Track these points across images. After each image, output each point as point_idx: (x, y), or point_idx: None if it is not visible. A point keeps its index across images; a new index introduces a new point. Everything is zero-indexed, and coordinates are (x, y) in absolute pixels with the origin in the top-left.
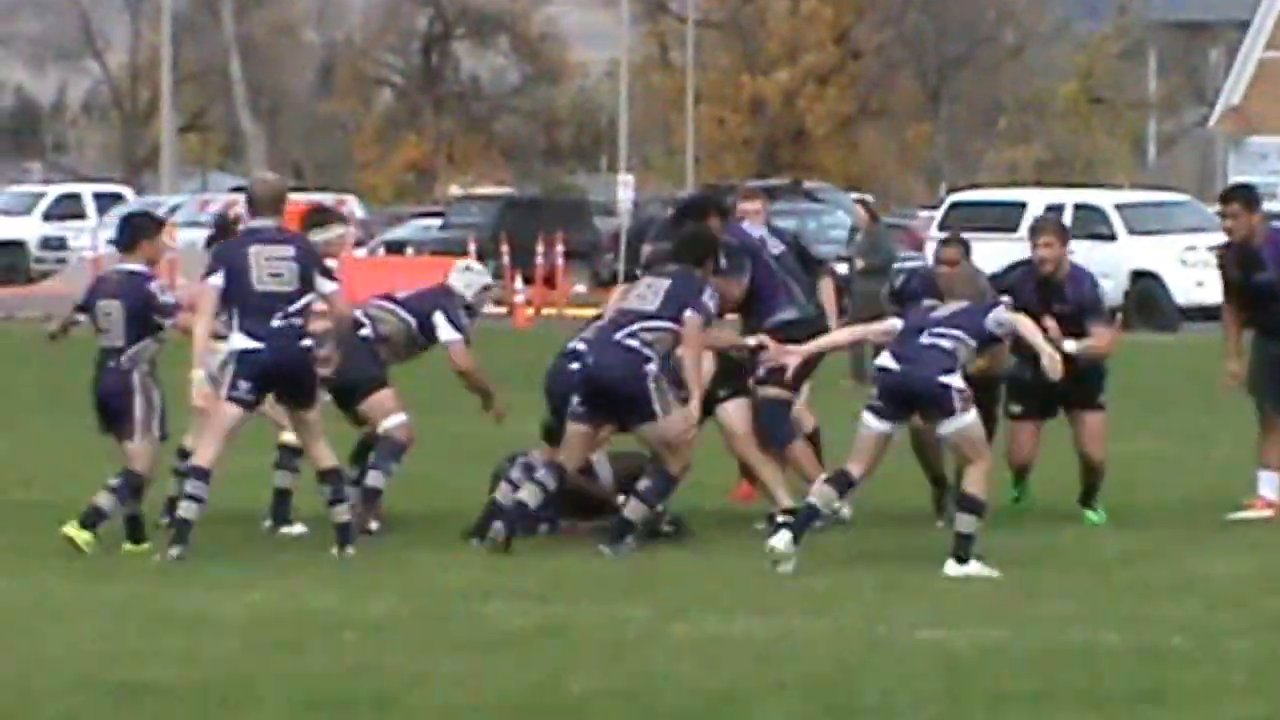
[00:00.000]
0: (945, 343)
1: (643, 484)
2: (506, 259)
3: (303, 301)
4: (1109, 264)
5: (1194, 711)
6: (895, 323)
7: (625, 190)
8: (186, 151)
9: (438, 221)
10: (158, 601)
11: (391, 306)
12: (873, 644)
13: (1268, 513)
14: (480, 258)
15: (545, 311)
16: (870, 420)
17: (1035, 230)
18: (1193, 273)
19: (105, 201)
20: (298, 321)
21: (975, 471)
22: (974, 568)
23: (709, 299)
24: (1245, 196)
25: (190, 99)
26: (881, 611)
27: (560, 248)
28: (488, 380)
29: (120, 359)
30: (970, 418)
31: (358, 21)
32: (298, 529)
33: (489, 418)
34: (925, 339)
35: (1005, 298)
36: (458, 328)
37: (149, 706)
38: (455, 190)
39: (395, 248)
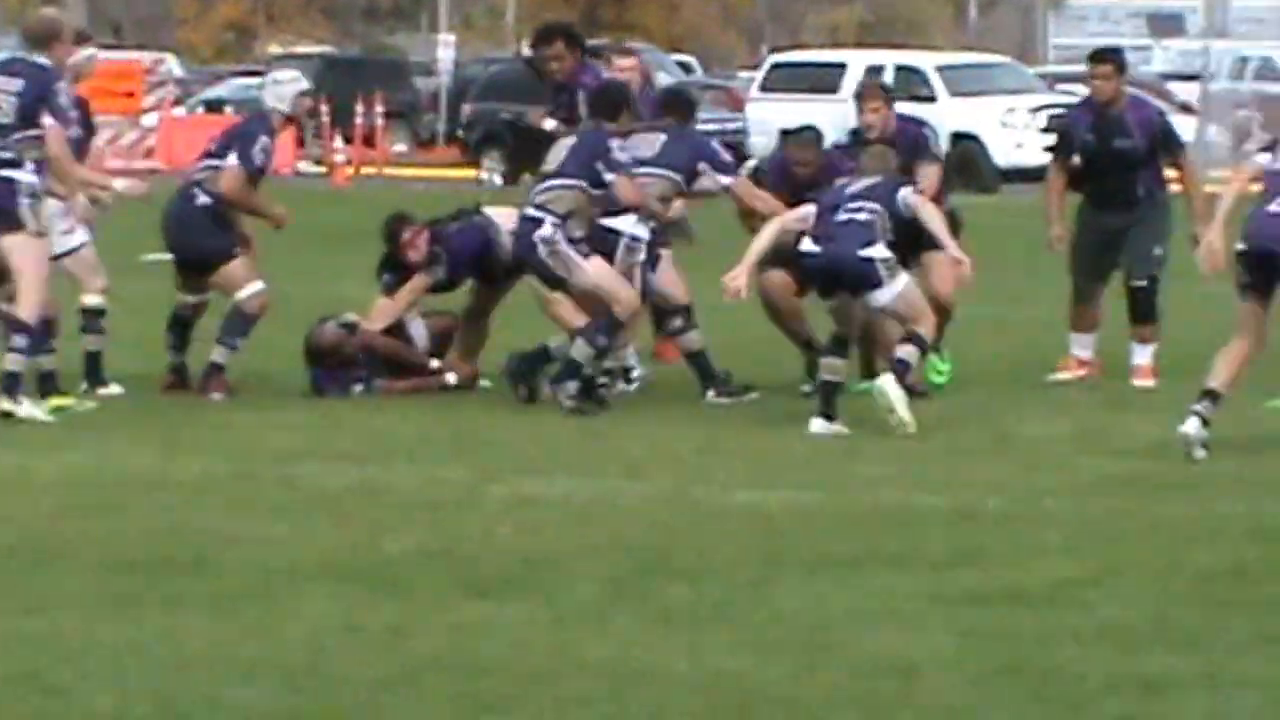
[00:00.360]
0: (862, 215)
1: (587, 322)
2: (326, 118)
3: (17, 136)
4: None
5: (1010, 572)
6: (809, 208)
7: (446, 50)
8: (4, 7)
9: (257, 80)
10: None
11: (212, 162)
12: (689, 506)
13: (1081, 372)
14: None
15: (365, 171)
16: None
17: (860, 95)
18: (1012, 134)
19: None
20: (6, 154)
21: (922, 329)
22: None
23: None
24: (1117, 59)
25: None
26: (698, 474)
27: (380, 108)
28: (262, 205)
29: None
30: (901, 283)
31: None
32: (114, 389)
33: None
34: (841, 215)
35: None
36: (244, 158)
37: None
38: (274, 49)
39: (214, 106)
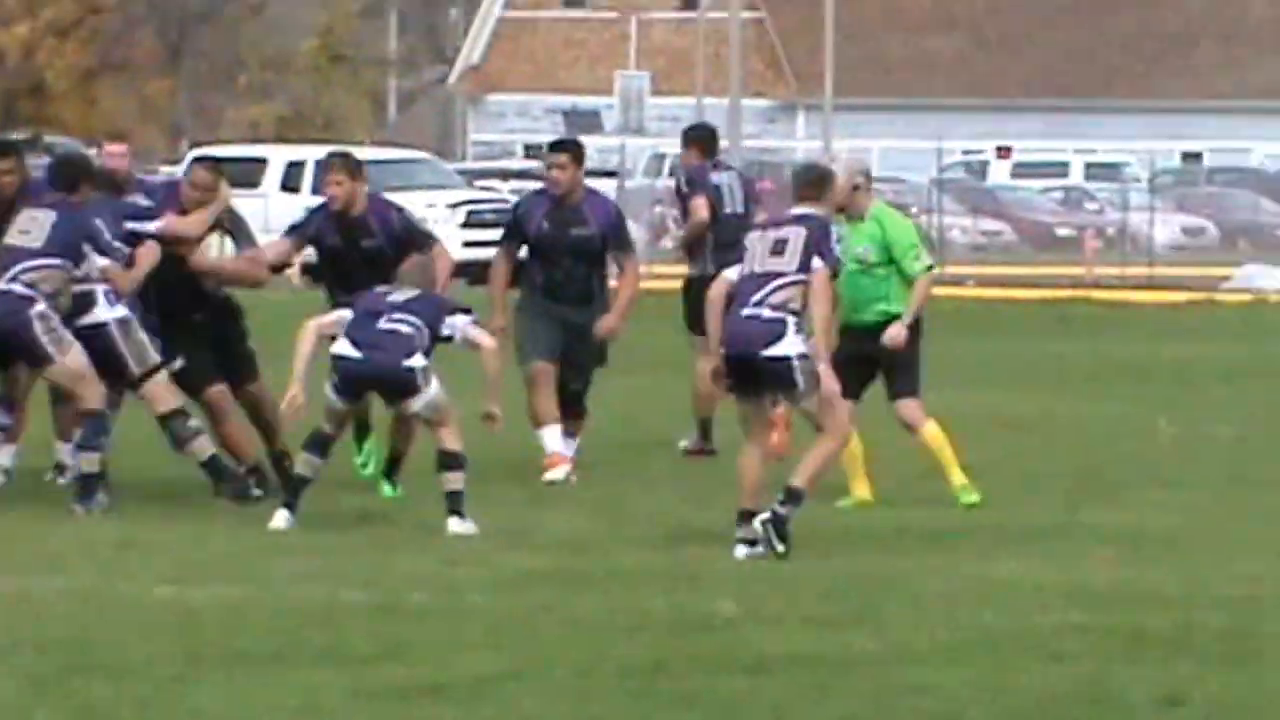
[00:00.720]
0: (404, 328)
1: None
2: None
3: None
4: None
5: (434, 666)
6: (344, 313)
7: None
8: None
9: None
10: None
11: None
12: (110, 602)
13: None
14: None
15: None
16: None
17: (327, 168)
18: (434, 230)
19: None
20: None
21: (447, 432)
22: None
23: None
24: (575, 150)
25: None
26: (120, 569)
27: None
28: None
29: None
30: (433, 390)
31: None
32: None
33: None
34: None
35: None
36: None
37: None
38: None
39: None
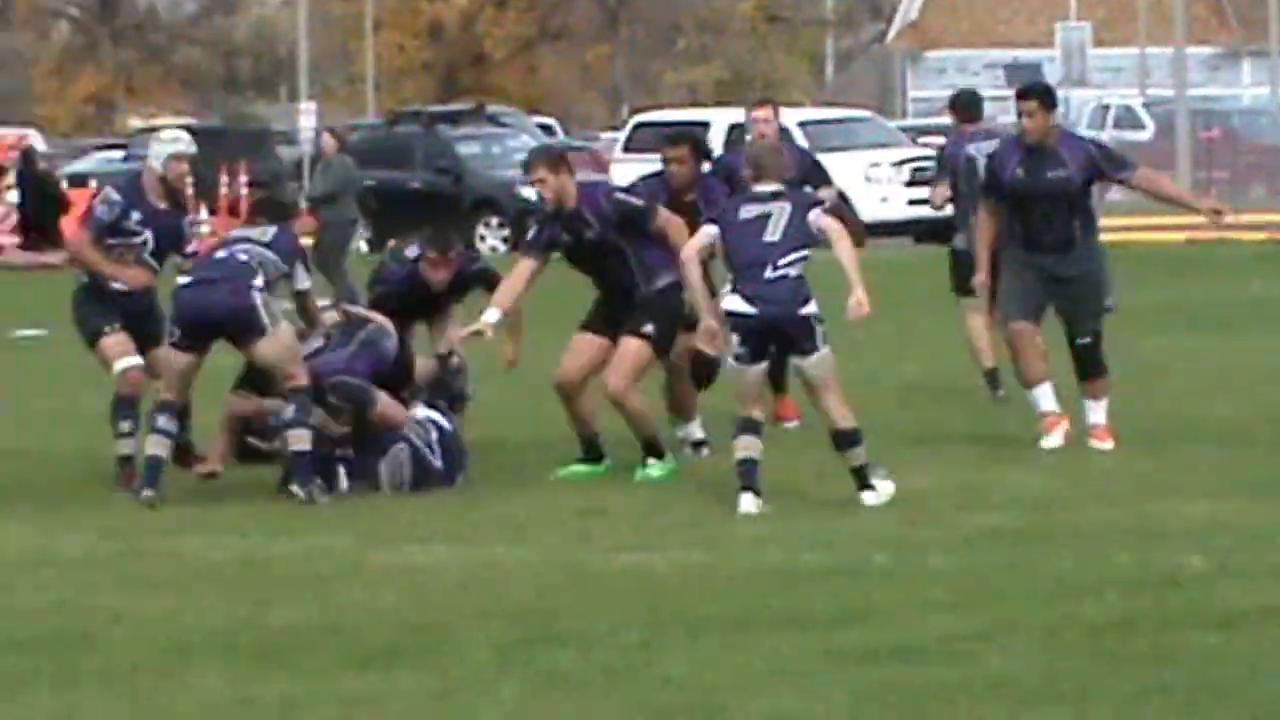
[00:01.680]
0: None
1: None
2: (190, 189)
3: None
4: None
5: (897, 628)
6: (710, 230)
7: (307, 118)
8: None
9: (120, 154)
10: None
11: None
12: (574, 570)
13: (1064, 428)
14: None
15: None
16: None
17: (528, 167)
18: (877, 189)
19: None
20: None
21: (835, 401)
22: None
23: None
24: (1042, 93)
25: None
26: (581, 537)
27: (244, 177)
28: (105, 265)
29: None
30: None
31: None
32: None
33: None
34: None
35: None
36: (90, 217)
37: None
38: (136, 122)
39: (78, 181)
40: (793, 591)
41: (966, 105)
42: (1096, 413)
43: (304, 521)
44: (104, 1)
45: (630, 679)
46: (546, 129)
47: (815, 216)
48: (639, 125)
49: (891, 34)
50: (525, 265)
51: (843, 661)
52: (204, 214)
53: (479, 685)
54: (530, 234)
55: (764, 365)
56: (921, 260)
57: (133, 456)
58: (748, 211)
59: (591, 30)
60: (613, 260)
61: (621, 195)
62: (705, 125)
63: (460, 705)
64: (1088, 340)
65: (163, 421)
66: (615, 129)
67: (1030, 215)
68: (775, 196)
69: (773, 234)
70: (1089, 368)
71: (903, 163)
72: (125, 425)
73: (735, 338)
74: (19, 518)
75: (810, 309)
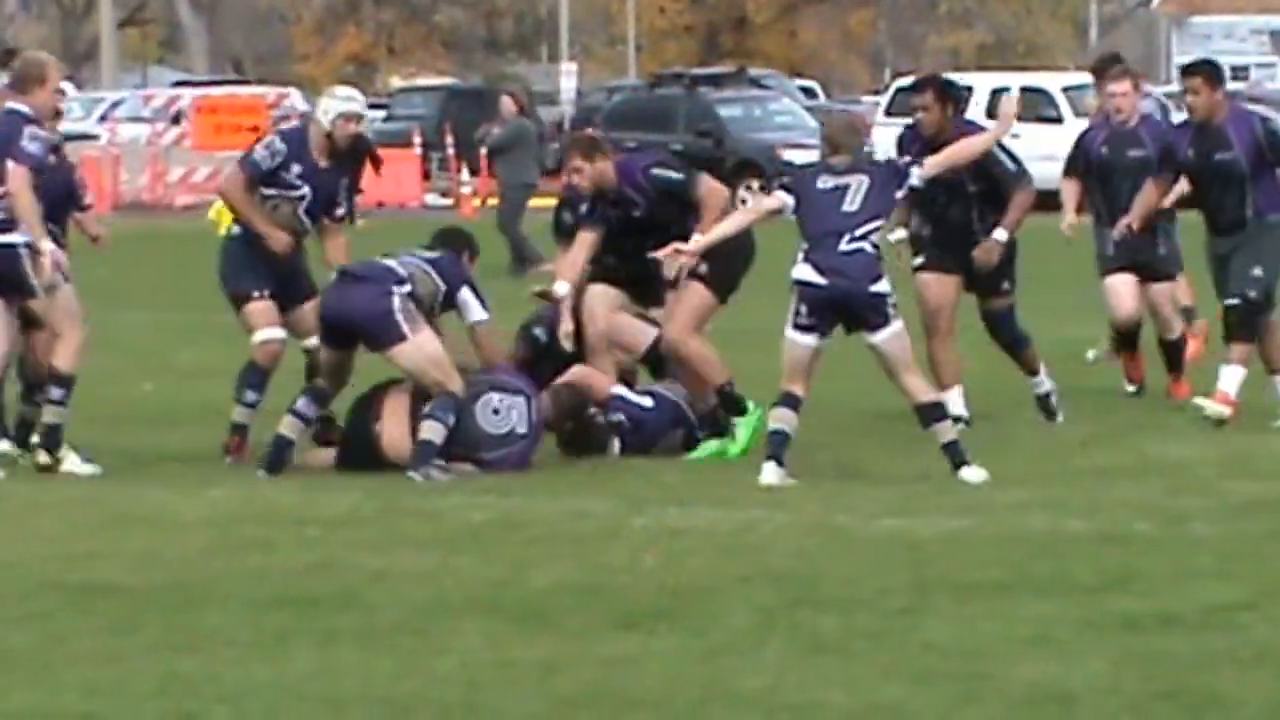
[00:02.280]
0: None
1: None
2: (451, 150)
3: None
4: (1056, 146)
5: (1161, 597)
6: (783, 198)
7: (569, 79)
8: (126, 46)
9: (381, 113)
10: (116, 501)
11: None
12: (835, 534)
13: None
14: (425, 148)
15: (490, 201)
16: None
17: (566, 154)
18: None
19: None
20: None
21: (913, 377)
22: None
23: None
24: (1208, 71)
25: None
26: (842, 501)
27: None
28: (255, 214)
29: None
30: (899, 325)
31: None
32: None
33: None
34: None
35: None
36: (247, 159)
37: (112, 607)
38: (396, 81)
39: None
40: (1056, 558)
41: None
42: (1226, 379)
43: (564, 484)
44: None
45: (893, 643)
46: (808, 92)
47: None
48: (901, 89)
49: None
50: (586, 238)
51: (1105, 629)
52: (465, 174)
53: (741, 648)
54: (585, 209)
55: (817, 340)
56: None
57: (247, 427)
58: (825, 183)
59: None
60: (665, 234)
61: (659, 170)
62: (968, 89)
63: (723, 668)
64: (1234, 302)
65: (302, 404)
66: (877, 93)
67: (1203, 195)
68: (852, 170)
69: (851, 204)
70: (1230, 330)
71: None
72: (250, 395)
73: (802, 307)
74: (283, 477)
75: (881, 286)
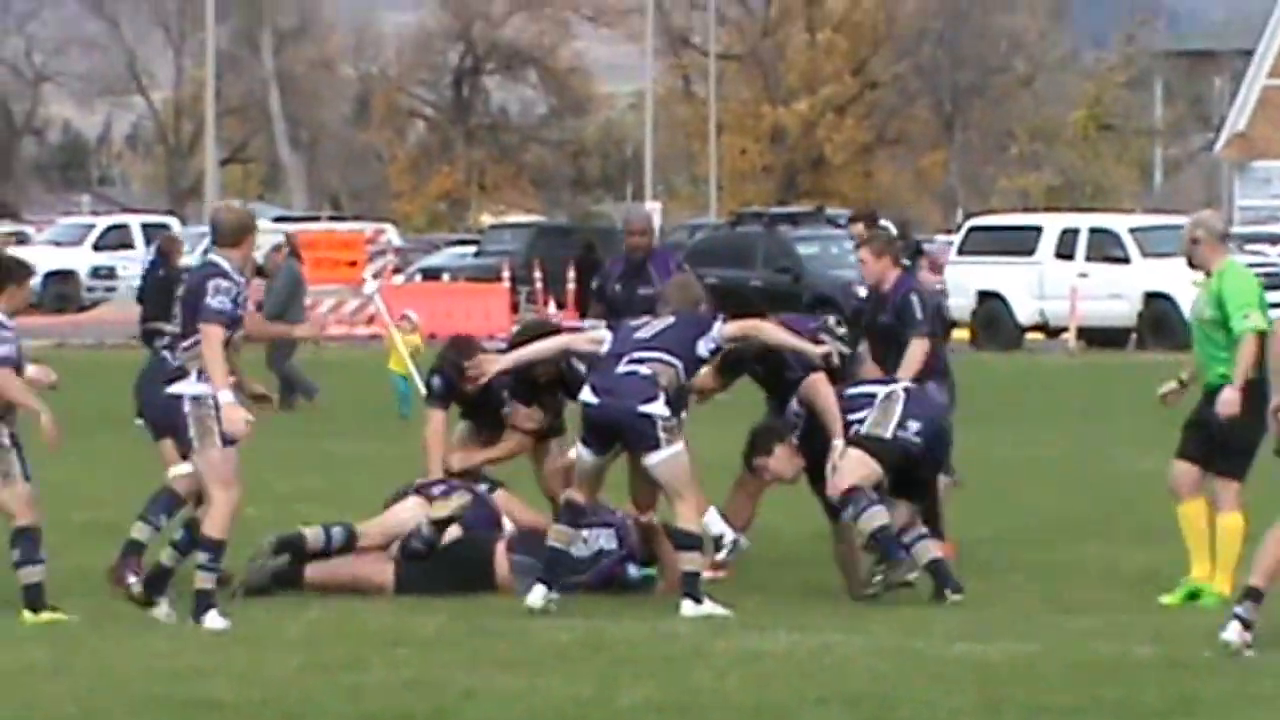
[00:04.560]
0: (644, 369)
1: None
2: (539, 284)
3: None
4: (1123, 285)
5: None
6: (604, 335)
7: (653, 217)
8: (228, 183)
9: (472, 249)
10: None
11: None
12: (909, 657)
13: None
14: (514, 283)
15: None
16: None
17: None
18: None
19: (152, 232)
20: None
21: (684, 507)
22: (707, 607)
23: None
24: None
25: (232, 132)
26: (917, 626)
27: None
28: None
29: None
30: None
31: (392, 56)
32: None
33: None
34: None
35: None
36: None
37: None
38: (488, 218)
39: (432, 274)
40: (1123, 683)
41: None
42: None
43: (648, 605)
44: (458, 102)
45: None
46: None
47: (712, 337)
48: (973, 229)
49: (1220, 144)
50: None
51: None
52: (553, 308)
53: None
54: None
55: (602, 456)
56: None
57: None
58: (638, 322)
59: (927, 137)
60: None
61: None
62: (1038, 230)
63: None
64: None
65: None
66: (949, 232)
67: None
68: (667, 314)
69: (644, 333)
70: None
71: None
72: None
73: (582, 425)
74: (375, 599)
75: (652, 408)
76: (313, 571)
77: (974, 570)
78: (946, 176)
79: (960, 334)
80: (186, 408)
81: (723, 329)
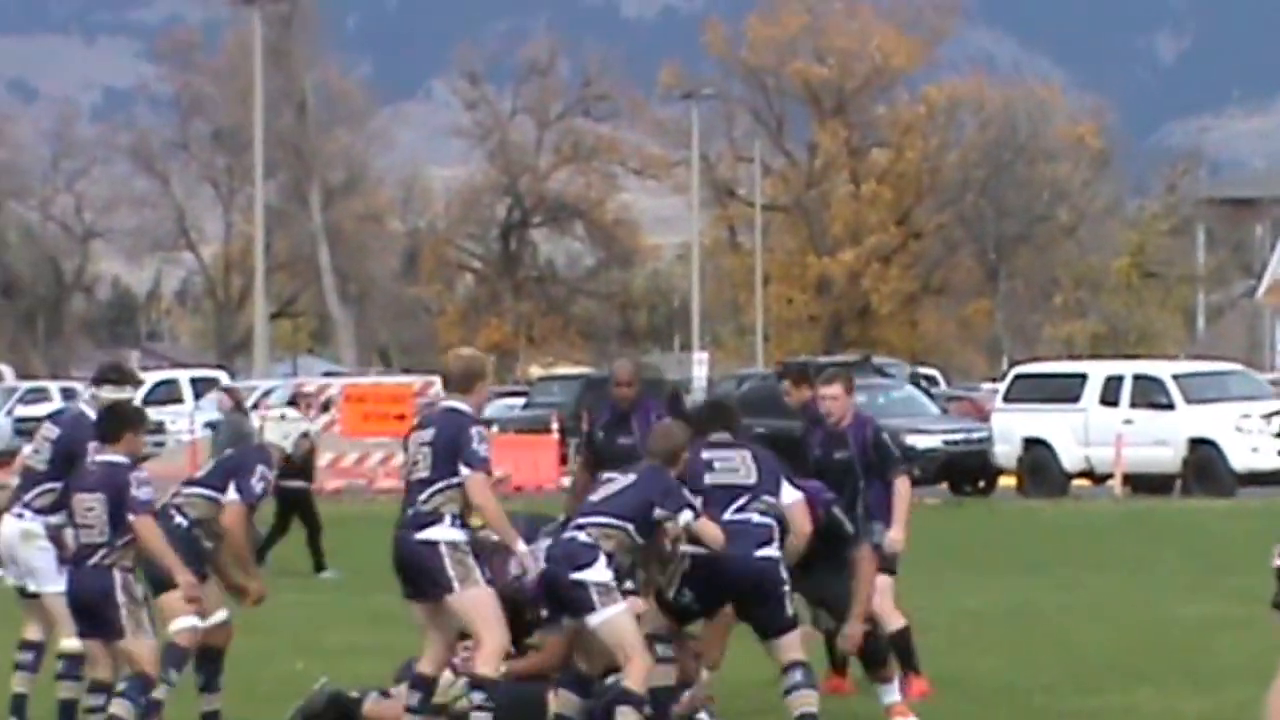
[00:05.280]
0: (586, 535)
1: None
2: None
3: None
4: (1168, 432)
5: None
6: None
7: (700, 368)
8: (278, 337)
9: (520, 400)
10: None
11: (203, 491)
12: None
13: None
14: (563, 434)
15: None
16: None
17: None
18: (1248, 439)
19: (201, 386)
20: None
21: (631, 668)
22: None
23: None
24: None
25: (281, 286)
26: None
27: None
28: (245, 555)
29: (103, 555)
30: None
31: (440, 209)
32: None
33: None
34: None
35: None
36: (244, 491)
37: None
38: (535, 370)
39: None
40: None
41: None
42: None
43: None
44: (506, 255)
45: None
46: (929, 379)
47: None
48: (1018, 376)
49: (1261, 290)
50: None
51: None
52: None
53: None
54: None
55: (565, 620)
56: None
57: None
58: (610, 477)
59: (972, 285)
60: None
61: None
62: (1083, 377)
63: None
64: None
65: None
66: (995, 380)
67: None
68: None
69: (600, 495)
70: None
71: (1272, 414)
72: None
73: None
74: None
75: (585, 575)
76: (371, 707)
77: (1027, 717)
78: (992, 324)
79: (1007, 481)
80: (444, 553)
81: (689, 519)
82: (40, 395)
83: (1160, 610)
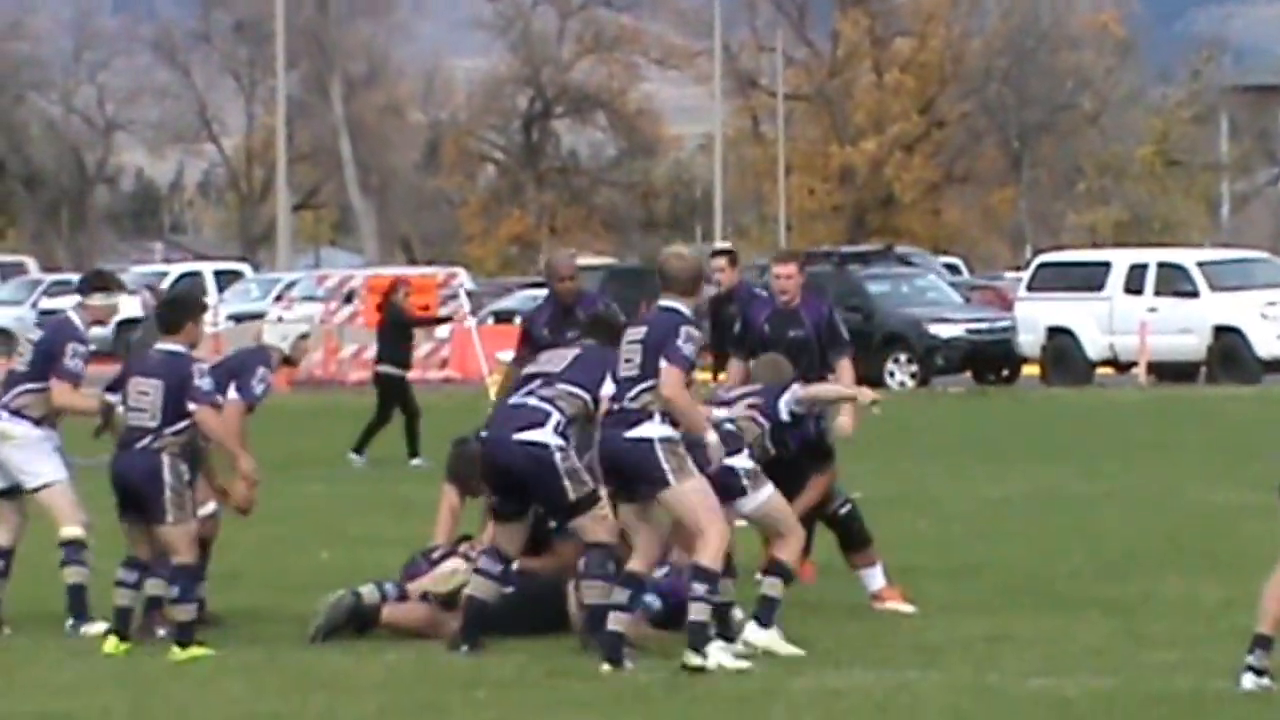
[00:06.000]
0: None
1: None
2: None
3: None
4: (1192, 320)
5: None
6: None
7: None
8: (300, 228)
9: (543, 291)
10: (297, 664)
11: None
12: (986, 693)
13: None
14: None
15: None
16: None
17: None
18: (1273, 326)
19: (225, 278)
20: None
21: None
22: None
23: None
24: None
25: (303, 178)
26: (992, 661)
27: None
28: (239, 452)
29: (151, 439)
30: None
31: (461, 101)
32: (99, 626)
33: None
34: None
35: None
36: (244, 390)
37: None
38: None
39: (504, 317)
40: (1201, 717)
41: None
42: None
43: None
44: (528, 147)
45: None
46: (952, 268)
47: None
48: (1042, 265)
49: None
50: None
51: None
52: None
53: None
54: None
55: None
56: None
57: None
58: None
59: (995, 174)
60: None
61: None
62: (1106, 265)
63: None
64: None
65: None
66: (1018, 269)
67: None
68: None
69: (556, 364)
70: None
71: None
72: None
73: None
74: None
75: (530, 435)
76: (389, 611)
77: (1050, 604)
78: (1015, 213)
79: (1031, 370)
80: (659, 449)
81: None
82: (64, 287)
83: (1184, 498)
